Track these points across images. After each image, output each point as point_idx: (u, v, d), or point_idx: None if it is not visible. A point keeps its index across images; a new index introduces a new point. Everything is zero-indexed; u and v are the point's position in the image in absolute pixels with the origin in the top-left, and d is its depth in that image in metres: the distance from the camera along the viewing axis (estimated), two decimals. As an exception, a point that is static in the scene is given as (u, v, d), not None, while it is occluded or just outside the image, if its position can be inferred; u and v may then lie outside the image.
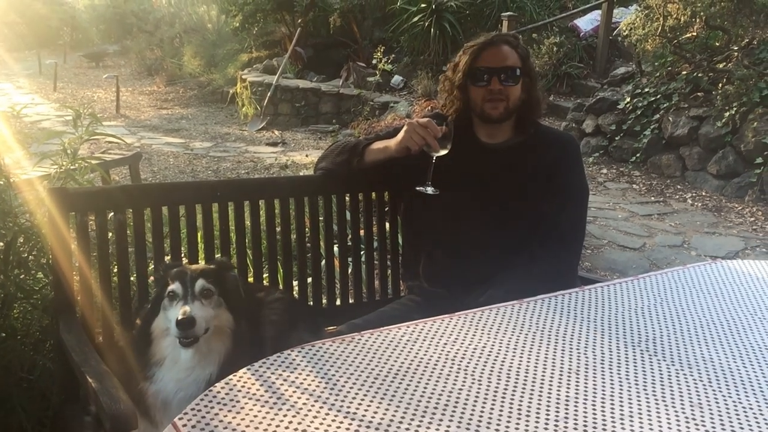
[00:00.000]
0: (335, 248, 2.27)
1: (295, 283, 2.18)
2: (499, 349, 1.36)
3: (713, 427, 1.12)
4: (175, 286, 1.58)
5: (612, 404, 1.17)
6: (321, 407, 1.14)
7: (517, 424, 1.11)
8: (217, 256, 1.98)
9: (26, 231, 2.05)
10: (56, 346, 1.86)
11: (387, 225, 2.32)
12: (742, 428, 1.12)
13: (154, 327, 1.61)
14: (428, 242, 2.06)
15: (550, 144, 2.05)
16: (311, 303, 2.19)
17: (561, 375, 1.27)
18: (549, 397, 1.19)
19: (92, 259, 1.86)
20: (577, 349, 1.38)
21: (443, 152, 1.90)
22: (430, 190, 1.93)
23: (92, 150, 6.09)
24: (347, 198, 2.24)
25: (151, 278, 1.97)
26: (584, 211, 2.09)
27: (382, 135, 2.11)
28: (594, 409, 1.16)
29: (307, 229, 2.17)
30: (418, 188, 1.94)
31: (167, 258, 1.97)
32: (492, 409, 1.15)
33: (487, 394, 1.19)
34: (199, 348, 1.56)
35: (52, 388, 1.99)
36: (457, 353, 1.34)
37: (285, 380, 1.22)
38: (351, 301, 2.27)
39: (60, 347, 1.74)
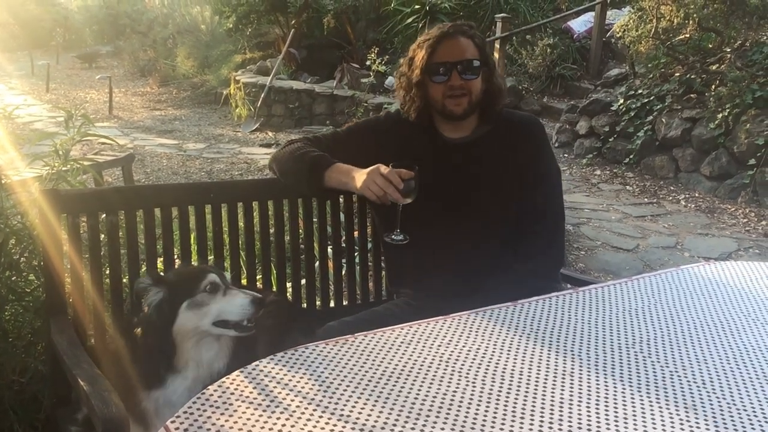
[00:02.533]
0: (329, 250, 2.27)
1: (288, 284, 2.17)
2: (493, 351, 1.36)
3: (707, 429, 1.12)
4: (212, 278, 1.60)
5: (606, 406, 1.17)
6: (314, 410, 1.13)
7: (512, 426, 1.11)
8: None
9: (18, 232, 2.04)
10: (48, 349, 1.85)
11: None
12: (736, 430, 1.12)
13: (176, 331, 1.56)
14: (406, 253, 1.95)
15: (516, 130, 1.98)
16: (305, 305, 2.18)
17: (555, 377, 1.26)
18: (543, 399, 1.19)
19: (84, 261, 1.85)
20: (571, 350, 1.37)
21: (408, 201, 1.76)
22: (399, 238, 1.82)
23: (85, 151, 6.06)
24: (341, 200, 2.23)
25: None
26: (560, 192, 2.02)
27: (341, 134, 2.05)
28: (588, 411, 1.16)
29: (300, 231, 2.16)
30: (385, 238, 1.85)
31: (160, 260, 1.96)
32: (486, 411, 1.15)
33: (481, 396, 1.19)
34: (222, 344, 1.61)
35: (44, 391, 1.98)
36: (450, 355, 1.34)
37: (278, 383, 1.21)
38: (345, 303, 2.27)
39: (52, 350, 1.72)
